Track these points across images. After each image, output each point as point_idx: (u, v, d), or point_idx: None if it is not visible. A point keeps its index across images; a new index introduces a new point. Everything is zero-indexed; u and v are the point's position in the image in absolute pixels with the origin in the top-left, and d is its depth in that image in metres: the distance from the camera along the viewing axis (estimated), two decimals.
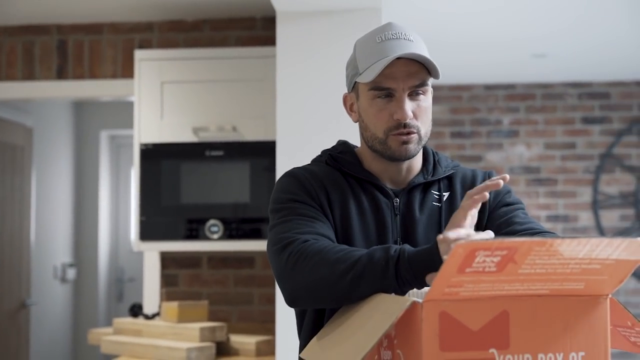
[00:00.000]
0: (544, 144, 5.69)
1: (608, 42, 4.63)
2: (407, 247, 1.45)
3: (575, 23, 4.26)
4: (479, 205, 1.48)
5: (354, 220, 1.67)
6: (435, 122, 5.54)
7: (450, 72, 5.37)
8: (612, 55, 4.97)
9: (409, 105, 1.64)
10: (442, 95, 5.67)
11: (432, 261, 1.38)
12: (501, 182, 1.46)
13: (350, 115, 1.77)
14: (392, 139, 1.66)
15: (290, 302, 1.58)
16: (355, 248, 1.53)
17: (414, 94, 1.65)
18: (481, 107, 5.73)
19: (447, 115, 5.68)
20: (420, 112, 1.66)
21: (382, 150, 1.68)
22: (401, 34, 1.66)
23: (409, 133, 1.65)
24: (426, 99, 1.68)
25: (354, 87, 1.73)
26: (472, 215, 1.47)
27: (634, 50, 4.85)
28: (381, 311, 1.34)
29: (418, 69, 1.64)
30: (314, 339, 1.54)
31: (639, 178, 5.60)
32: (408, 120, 1.64)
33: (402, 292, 1.43)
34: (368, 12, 3.12)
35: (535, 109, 5.70)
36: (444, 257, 1.36)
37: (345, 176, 1.73)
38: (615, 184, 5.63)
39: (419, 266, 1.41)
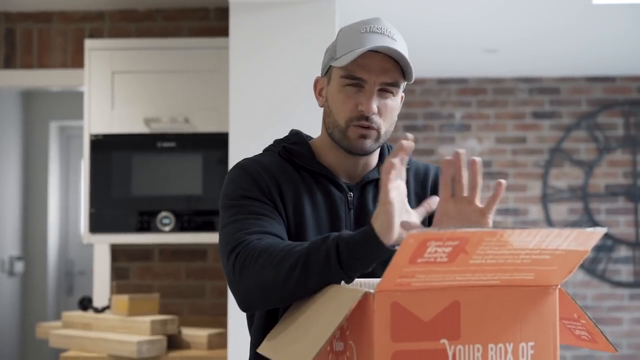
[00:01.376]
0: (495, 138, 5.75)
1: (558, 38, 4.69)
2: (344, 232, 1.43)
3: (526, 18, 4.31)
4: (396, 175, 1.40)
5: (307, 215, 1.66)
6: None
7: None
8: (562, 51, 5.03)
9: (375, 100, 1.63)
10: None
11: (370, 241, 1.37)
12: (410, 144, 1.40)
13: (317, 99, 1.75)
14: (351, 130, 1.64)
15: (244, 308, 1.56)
16: (298, 243, 1.50)
17: (383, 92, 1.64)
18: (434, 101, 5.77)
19: (400, 109, 5.71)
20: (386, 111, 1.65)
21: (340, 140, 1.67)
22: (386, 30, 1.65)
23: (369, 127, 1.64)
24: (395, 100, 1.67)
25: (327, 71, 1.71)
26: (396, 188, 1.40)
27: (583, 47, 4.92)
28: (334, 304, 1.33)
29: (393, 67, 1.63)
30: (269, 334, 1.52)
31: (587, 172, 5.69)
32: (371, 115, 1.62)
33: (350, 278, 1.42)
34: (322, 4, 3.11)
35: (487, 103, 5.76)
36: (381, 234, 1.35)
37: (298, 169, 1.71)
38: (564, 178, 5.71)
39: (360, 248, 1.39)
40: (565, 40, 4.75)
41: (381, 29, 1.65)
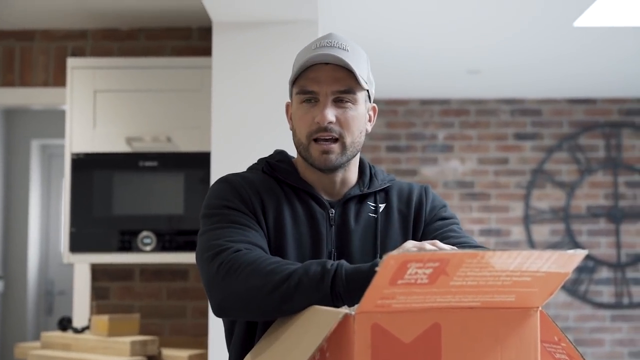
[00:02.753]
0: (478, 159, 5.77)
1: (540, 60, 4.73)
2: (344, 263, 1.43)
3: (509, 41, 4.34)
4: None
5: (288, 230, 1.65)
6: (371, 136, 5.58)
7: (386, 86, 5.41)
8: (544, 73, 5.07)
9: (331, 110, 1.63)
10: (378, 109, 5.69)
11: (369, 280, 1.38)
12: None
13: (289, 123, 1.76)
14: (313, 147, 1.65)
15: (218, 311, 1.54)
16: (289, 261, 1.50)
17: (339, 101, 1.64)
18: (417, 121, 5.79)
19: (383, 129, 5.72)
20: (346, 120, 1.64)
21: (306, 157, 1.68)
22: (338, 43, 1.65)
23: (332, 140, 1.64)
24: (355, 108, 1.66)
25: (290, 94, 1.73)
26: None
27: (564, 69, 4.96)
28: (314, 324, 1.32)
29: (345, 76, 1.63)
30: (250, 354, 1.51)
31: (568, 193, 5.72)
32: (328, 125, 1.62)
33: (334, 306, 1.42)
34: (305, 25, 3.12)
35: (469, 124, 5.78)
36: None
37: (281, 185, 1.71)
38: (546, 199, 5.74)
39: (355, 284, 1.39)
40: (547, 62, 4.79)
41: (331, 42, 1.65)
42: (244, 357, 1.63)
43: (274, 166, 1.74)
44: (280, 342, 1.41)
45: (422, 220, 1.74)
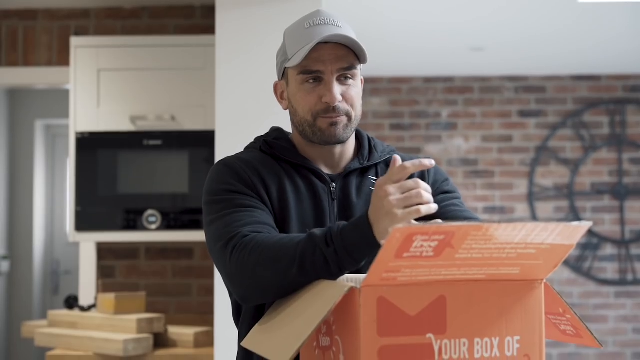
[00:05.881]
0: (482, 137, 5.76)
1: (544, 37, 4.71)
2: (343, 230, 1.43)
3: (512, 17, 4.32)
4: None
5: (292, 206, 1.66)
6: (375, 114, 5.57)
7: (389, 64, 5.39)
8: (548, 50, 5.05)
9: (337, 89, 1.64)
10: (381, 87, 5.69)
11: (364, 236, 1.39)
12: (432, 163, 1.45)
13: (280, 103, 1.77)
14: (320, 121, 1.66)
15: (243, 302, 1.57)
16: (292, 237, 1.50)
17: (342, 78, 1.66)
18: (420, 99, 5.78)
19: (387, 107, 5.71)
20: (350, 96, 1.67)
21: (312, 134, 1.68)
22: (329, 19, 1.67)
23: (338, 116, 1.65)
24: (355, 84, 1.68)
25: (284, 74, 1.73)
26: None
27: (568, 46, 4.94)
28: (320, 298, 1.33)
29: (346, 53, 1.65)
30: (255, 327, 1.52)
31: (573, 171, 5.71)
32: (337, 104, 1.64)
33: (342, 271, 1.43)
34: (309, 1, 3.11)
35: (473, 102, 5.77)
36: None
37: (280, 162, 1.72)
38: (550, 176, 5.73)
39: (352, 237, 1.41)
40: (551, 39, 4.77)
41: (324, 19, 1.67)
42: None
43: (272, 144, 1.74)
44: (286, 314, 1.42)
45: None
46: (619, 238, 5.69)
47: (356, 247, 1.40)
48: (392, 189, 1.37)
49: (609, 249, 5.69)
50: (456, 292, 1.26)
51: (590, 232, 5.63)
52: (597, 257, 5.69)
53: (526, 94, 5.77)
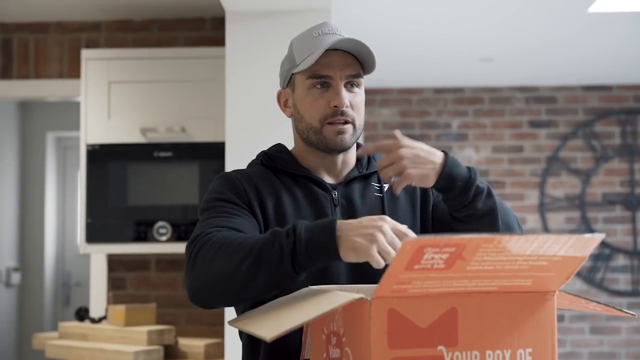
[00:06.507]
0: (492, 147, 5.75)
1: (554, 47, 4.70)
2: (301, 222, 1.42)
3: (522, 27, 4.31)
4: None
5: (289, 215, 1.66)
6: (385, 125, 5.57)
7: (399, 75, 5.39)
8: (558, 60, 5.04)
9: (346, 94, 1.66)
10: (391, 98, 5.69)
11: (326, 240, 1.37)
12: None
13: (284, 111, 1.79)
14: (327, 129, 1.67)
15: (190, 297, 1.53)
16: (258, 235, 1.49)
17: (349, 86, 1.68)
18: (430, 110, 5.77)
19: (397, 119, 5.71)
20: (356, 104, 1.69)
21: (317, 141, 1.69)
22: (336, 30, 1.71)
23: (345, 122, 1.67)
24: (360, 92, 1.71)
25: (289, 82, 1.74)
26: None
27: (579, 56, 4.93)
28: (326, 299, 1.32)
29: (353, 61, 1.68)
30: (248, 312, 1.52)
31: (584, 181, 5.69)
32: (345, 109, 1.66)
33: (296, 274, 1.40)
34: (318, 13, 3.12)
35: (484, 112, 5.76)
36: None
37: (278, 174, 1.73)
38: (561, 186, 5.71)
39: (315, 240, 1.39)
40: (562, 49, 4.76)
41: (332, 30, 1.70)
42: (255, 342, 1.65)
43: (272, 156, 1.76)
44: (286, 304, 1.41)
45: (430, 199, 1.78)
46: (631, 249, 5.66)
47: (315, 245, 1.38)
48: (388, 231, 1.36)
49: (621, 260, 5.66)
50: (467, 304, 1.25)
51: (602, 243, 5.60)
52: (610, 268, 5.65)
53: (537, 104, 5.75)
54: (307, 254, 1.38)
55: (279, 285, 1.42)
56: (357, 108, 1.69)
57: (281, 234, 1.41)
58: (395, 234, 1.37)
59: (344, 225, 1.38)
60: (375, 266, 1.34)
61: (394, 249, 1.35)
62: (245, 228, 1.58)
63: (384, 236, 1.35)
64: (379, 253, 1.34)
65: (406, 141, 1.57)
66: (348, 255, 1.37)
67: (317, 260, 1.39)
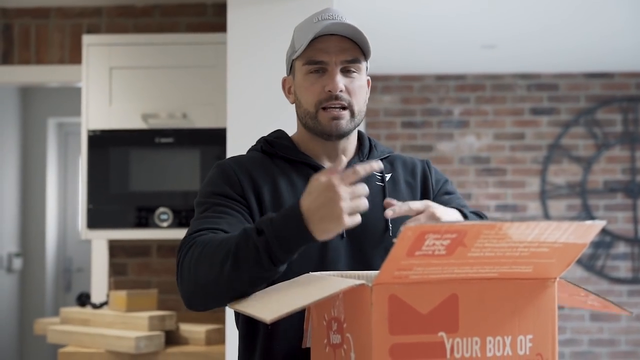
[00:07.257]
0: (494, 135, 5.74)
1: (556, 34, 4.69)
2: (267, 221, 1.41)
3: (524, 14, 4.30)
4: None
5: (285, 202, 1.66)
6: (386, 112, 5.56)
7: (401, 62, 5.38)
8: (560, 47, 5.03)
9: (340, 79, 1.66)
10: (393, 85, 5.68)
11: (297, 231, 1.37)
12: (380, 166, 1.42)
13: (287, 97, 1.80)
14: (322, 114, 1.67)
15: (186, 305, 1.55)
16: (234, 234, 1.48)
17: (346, 71, 1.68)
18: (432, 97, 5.76)
19: (398, 105, 5.70)
20: (353, 89, 1.68)
21: (313, 126, 1.69)
22: (337, 16, 1.69)
23: (340, 108, 1.66)
24: (360, 77, 1.70)
25: (291, 68, 1.75)
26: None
27: (581, 43, 4.92)
28: (327, 284, 1.32)
29: (351, 46, 1.67)
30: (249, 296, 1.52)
31: (585, 168, 5.69)
32: (339, 93, 1.65)
33: (274, 263, 1.40)
34: None
35: (485, 99, 5.76)
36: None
37: (276, 161, 1.73)
38: (563, 174, 5.71)
39: (284, 226, 1.38)
40: (564, 36, 4.75)
41: (332, 15, 1.68)
42: (251, 331, 1.65)
43: (272, 142, 1.76)
44: (286, 288, 1.41)
45: (431, 191, 1.78)
46: (632, 236, 5.66)
47: (287, 238, 1.38)
48: (345, 193, 1.34)
49: (621, 247, 5.66)
50: (468, 291, 1.25)
51: (603, 230, 5.60)
52: (610, 256, 5.66)
53: (538, 91, 5.74)
54: (282, 249, 1.38)
55: (265, 279, 1.43)
56: (355, 93, 1.68)
57: (252, 231, 1.41)
58: (352, 194, 1.35)
59: (305, 208, 1.36)
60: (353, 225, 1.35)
61: (357, 202, 1.34)
62: (232, 227, 1.57)
63: (344, 202, 1.33)
64: (349, 214, 1.34)
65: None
66: (324, 237, 1.37)
67: (295, 250, 1.40)
